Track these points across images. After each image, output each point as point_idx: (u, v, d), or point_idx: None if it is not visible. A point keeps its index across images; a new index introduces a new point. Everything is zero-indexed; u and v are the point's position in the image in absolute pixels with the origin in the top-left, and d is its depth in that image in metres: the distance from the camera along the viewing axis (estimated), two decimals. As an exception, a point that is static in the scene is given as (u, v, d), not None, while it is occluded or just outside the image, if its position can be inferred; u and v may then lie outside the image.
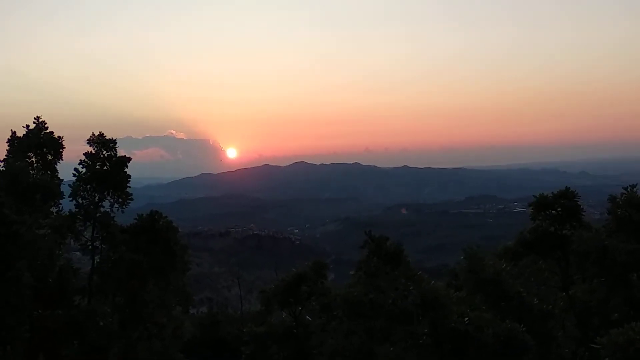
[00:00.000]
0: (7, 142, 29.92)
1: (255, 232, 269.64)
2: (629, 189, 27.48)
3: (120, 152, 29.60)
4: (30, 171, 28.66)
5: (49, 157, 30.31)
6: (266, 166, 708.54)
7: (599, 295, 26.70)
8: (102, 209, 28.47)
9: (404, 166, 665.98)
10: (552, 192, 29.53)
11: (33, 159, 29.87)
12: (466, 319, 24.96)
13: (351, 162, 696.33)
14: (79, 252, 30.34)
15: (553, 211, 29.05)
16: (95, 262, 28.61)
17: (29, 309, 23.18)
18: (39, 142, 29.84)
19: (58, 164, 30.60)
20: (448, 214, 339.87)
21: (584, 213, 29.47)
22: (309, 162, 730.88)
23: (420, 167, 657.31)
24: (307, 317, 31.55)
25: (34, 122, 30.12)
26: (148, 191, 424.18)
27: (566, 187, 29.89)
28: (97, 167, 28.49)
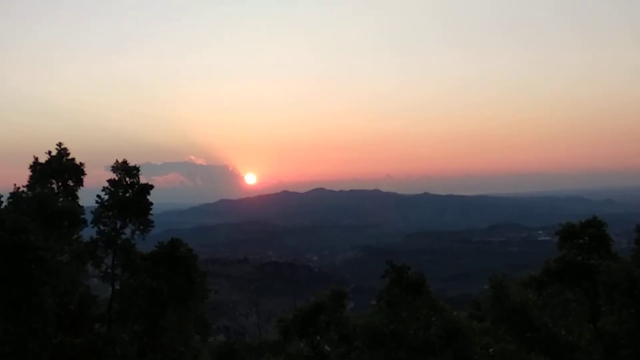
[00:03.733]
0: (29, 168, 30.33)
1: (273, 259, 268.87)
2: (656, 218, 26.80)
3: (140, 178, 29.84)
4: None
5: (70, 184, 30.66)
6: (285, 192, 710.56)
7: (628, 326, 25.87)
8: (123, 236, 28.61)
9: (425, 193, 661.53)
10: (580, 221, 29.03)
11: (55, 186, 30.20)
12: (490, 350, 24.40)
13: (371, 189, 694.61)
14: (95, 279, 30.39)
15: (580, 240, 28.48)
16: (114, 289, 28.64)
17: (52, 334, 23.25)
18: (60, 168, 30.20)
19: (79, 190, 30.93)
20: (470, 241, 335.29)
21: (612, 242, 28.84)
22: (328, 188, 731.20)
23: (442, 194, 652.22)
24: (326, 347, 31.11)
25: (56, 149, 30.52)
26: (167, 217, 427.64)
27: (593, 215, 29.35)
28: (120, 194, 28.75)
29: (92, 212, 28.40)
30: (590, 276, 27.49)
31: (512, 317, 26.97)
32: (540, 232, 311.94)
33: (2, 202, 26.50)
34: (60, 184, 30.52)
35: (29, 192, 28.77)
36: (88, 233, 28.71)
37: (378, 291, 28.71)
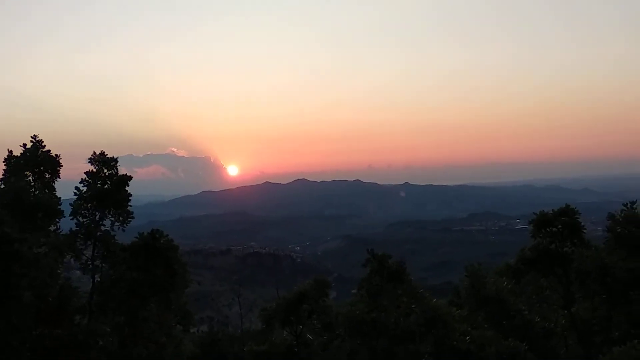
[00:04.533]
0: (4, 161, 29.89)
1: (256, 250, 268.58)
2: (628, 206, 27.48)
3: (122, 170, 29.59)
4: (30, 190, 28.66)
5: (47, 176, 30.28)
6: (267, 183, 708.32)
7: (600, 313, 26.58)
8: (102, 228, 28.42)
9: (406, 183, 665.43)
10: (553, 210, 29.54)
11: (30, 178, 29.81)
12: (468, 337, 24.84)
13: (353, 179, 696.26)
14: (78, 271, 30.19)
15: (554, 228, 29.04)
16: (95, 280, 28.49)
17: (31, 328, 23.05)
18: (36, 160, 29.80)
19: (56, 182, 30.57)
20: (451, 231, 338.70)
21: (585, 230, 29.44)
22: (310, 179, 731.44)
23: (423, 184, 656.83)
24: (309, 335, 31.38)
25: (31, 141, 30.07)
26: (149, 209, 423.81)
27: (566, 204, 29.92)
28: (98, 185, 28.51)
29: (70, 204, 28.13)
30: (563, 263, 28.10)
31: (488, 305, 27.48)
32: (518, 220, 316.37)
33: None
34: (36, 176, 30.15)
35: (3, 185, 28.39)
36: (69, 225, 28.47)
37: (359, 280, 28.98)
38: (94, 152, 28.98)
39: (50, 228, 28.33)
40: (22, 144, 30.05)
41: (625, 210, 27.70)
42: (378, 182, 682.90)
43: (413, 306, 26.28)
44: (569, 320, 28.30)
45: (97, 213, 28.39)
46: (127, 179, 28.98)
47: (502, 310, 27.48)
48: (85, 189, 28.40)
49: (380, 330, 25.76)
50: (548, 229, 29.01)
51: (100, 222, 28.39)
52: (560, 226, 28.83)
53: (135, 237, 29.21)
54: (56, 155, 30.41)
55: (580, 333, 27.67)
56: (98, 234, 28.06)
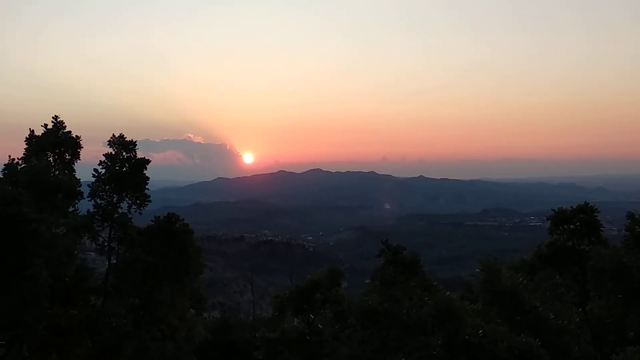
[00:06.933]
0: (25, 141, 30.08)
1: (269, 238, 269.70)
2: (649, 205, 27.05)
3: (139, 154, 29.76)
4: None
5: (67, 157, 30.51)
6: (282, 172, 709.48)
7: (615, 311, 26.30)
8: (120, 210, 28.66)
9: (420, 176, 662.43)
10: (571, 207, 29.24)
11: (50, 158, 30.05)
12: (481, 331, 24.74)
13: (367, 171, 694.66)
14: (92, 253, 30.55)
15: (571, 226, 28.76)
16: (111, 262, 28.80)
17: (46, 307, 23.38)
18: (56, 141, 29.96)
19: (75, 163, 30.81)
20: (463, 225, 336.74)
21: (603, 228, 29.14)
22: (324, 170, 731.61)
23: (437, 177, 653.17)
24: (319, 325, 31.48)
25: (52, 122, 30.15)
26: (164, 194, 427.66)
27: (585, 202, 29.60)
28: (117, 168, 28.71)
29: (88, 185, 28.38)
30: (580, 261, 27.82)
31: (502, 299, 27.32)
32: (532, 217, 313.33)
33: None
34: (56, 156, 30.38)
35: (24, 164, 28.65)
36: (85, 207, 28.73)
37: (371, 272, 28.96)
38: (113, 135, 29.18)
39: (69, 209, 28.59)
40: (43, 124, 30.21)
41: (644, 210, 27.31)
42: (392, 175, 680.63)
43: (426, 298, 26.22)
44: (582, 319, 28.09)
45: (114, 195, 28.63)
46: (145, 162, 29.15)
47: (517, 305, 27.32)
48: (103, 170, 28.63)
49: (392, 320, 25.74)
50: (566, 226, 28.75)
51: (118, 205, 28.64)
52: (578, 223, 28.57)
53: (152, 221, 29.46)
54: (77, 136, 30.54)
55: (594, 331, 27.45)
56: (115, 216, 28.34)
